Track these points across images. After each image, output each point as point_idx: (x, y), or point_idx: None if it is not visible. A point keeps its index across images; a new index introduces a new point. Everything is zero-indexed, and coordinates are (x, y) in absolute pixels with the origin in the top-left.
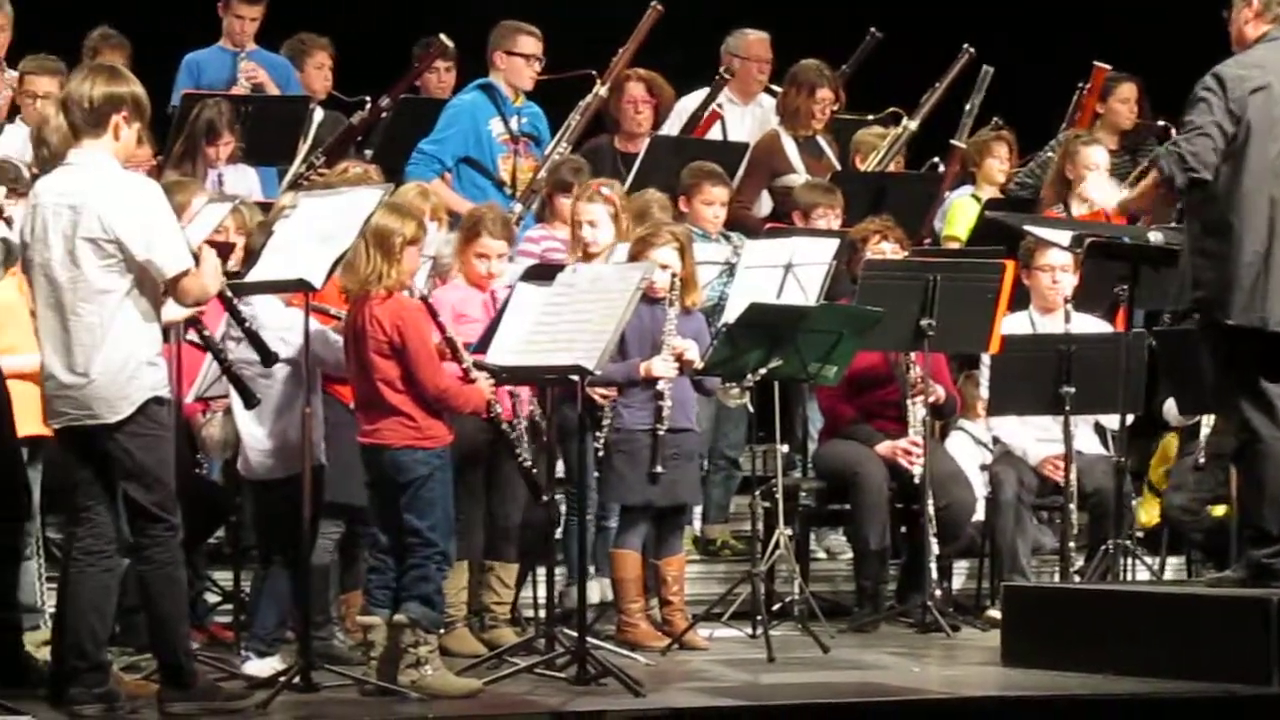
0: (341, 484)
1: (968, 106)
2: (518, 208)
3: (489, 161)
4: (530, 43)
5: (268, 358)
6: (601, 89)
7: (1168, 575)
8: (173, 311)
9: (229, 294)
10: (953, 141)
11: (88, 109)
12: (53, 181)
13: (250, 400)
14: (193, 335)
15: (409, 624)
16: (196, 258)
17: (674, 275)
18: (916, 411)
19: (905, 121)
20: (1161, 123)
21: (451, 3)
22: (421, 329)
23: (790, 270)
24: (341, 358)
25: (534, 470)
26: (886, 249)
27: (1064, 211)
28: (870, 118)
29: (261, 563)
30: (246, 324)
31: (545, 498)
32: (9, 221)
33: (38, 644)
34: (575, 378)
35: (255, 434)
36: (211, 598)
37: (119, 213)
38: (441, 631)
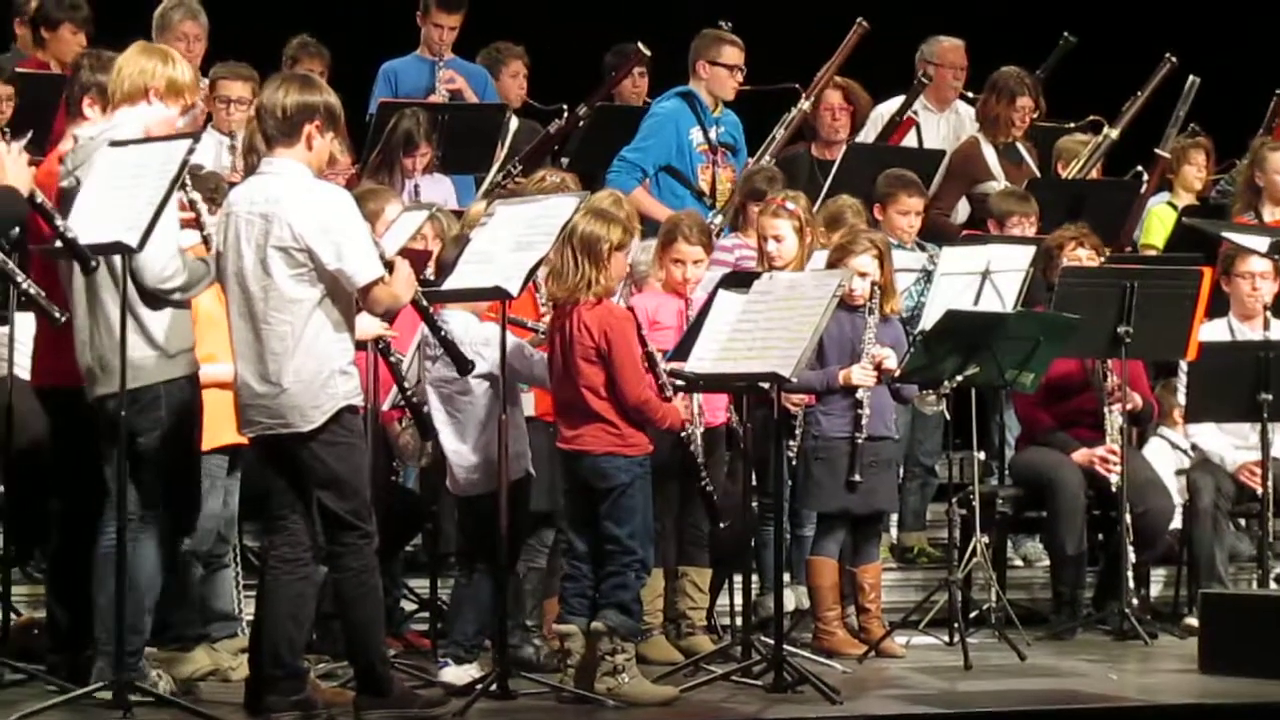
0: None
1: (1174, 116)
2: (718, 219)
3: (689, 171)
4: (733, 53)
5: (464, 366)
6: (805, 103)
7: None
8: (363, 326)
9: (424, 303)
10: (1156, 150)
11: (280, 118)
12: (245, 190)
13: (427, 432)
14: (391, 352)
15: (606, 632)
16: (390, 267)
17: (873, 282)
18: (1114, 419)
19: (1106, 130)
20: None
21: (646, 10)
22: (629, 337)
23: (987, 277)
24: (536, 370)
25: (714, 493)
26: (1082, 256)
27: (1255, 218)
28: (1071, 125)
29: (463, 571)
30: (443, 332)
31: (723, 523)
32: (207, 240)
33: (234, 651)
34: (770, 385)
35: (459, 450)
36: (408, 605)
37: (309, 221)
38: (638, 639)
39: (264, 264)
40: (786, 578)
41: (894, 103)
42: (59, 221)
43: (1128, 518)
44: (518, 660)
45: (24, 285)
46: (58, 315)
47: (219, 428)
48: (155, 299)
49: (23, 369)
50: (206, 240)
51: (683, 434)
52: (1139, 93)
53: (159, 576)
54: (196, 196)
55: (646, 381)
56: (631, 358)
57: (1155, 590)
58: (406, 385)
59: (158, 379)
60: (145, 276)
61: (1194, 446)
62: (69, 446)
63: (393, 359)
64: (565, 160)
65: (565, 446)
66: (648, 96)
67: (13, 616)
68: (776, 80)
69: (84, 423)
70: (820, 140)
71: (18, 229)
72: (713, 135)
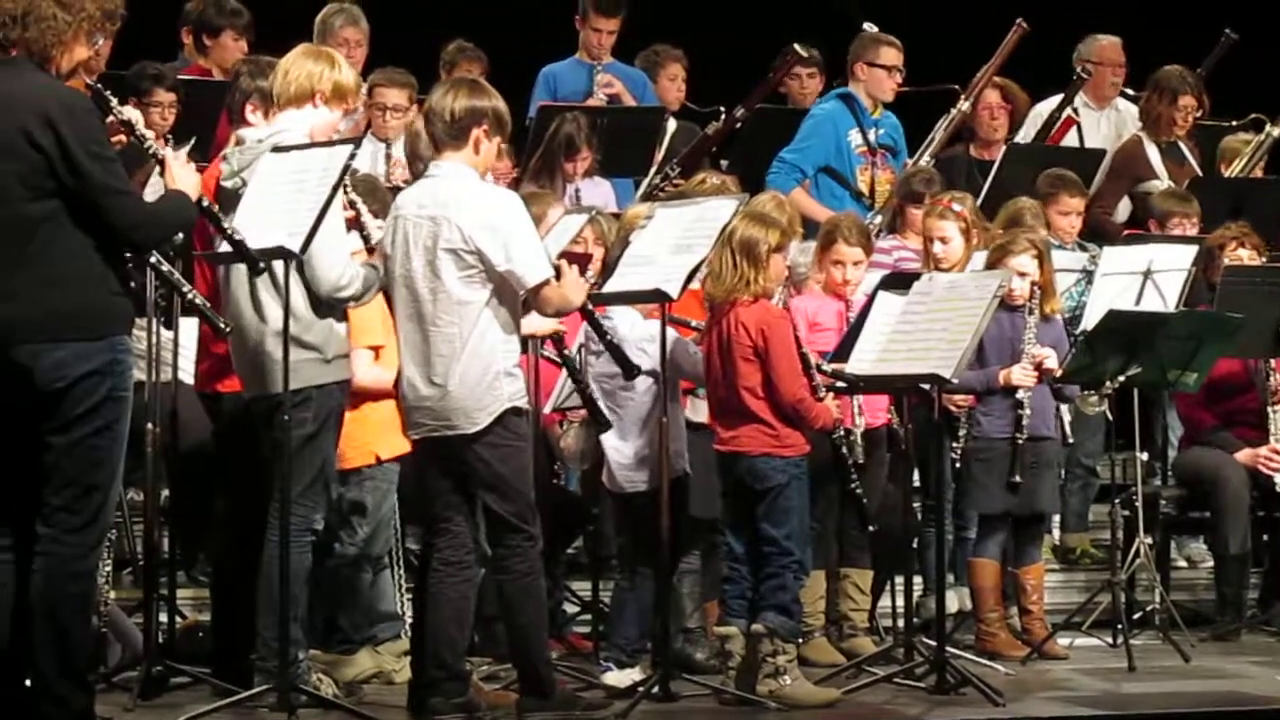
0: (700, 495)
1: None
2: (877, 220)
3: (848, 172)
4: (892, 54)
5: (629, 370)
6: (964, 104)
7: None
8: (536, 324)
9: (588, 305)
10: None
11: (449, 122)
12: (414, 194)
13: (602, 425)
14: (550, 352)
15: (767, 633)
16: (558, 270)
17: (1033, 283)
18: (1277, 418)
19: (1269, 128)
20: None
21: (807, 11)
22: (786, 336)
23: (1149, 277)
24: (699, 368)
25: (865, 498)
26: (1244, 255)
27: None
28: (1233, 124)
29: (624, 573)
30: (608, 336)
31: (873, 526)
32: (368, 243)
33: (397, 654)
34: (931, 386)
35: (619, 448)
36: (570, 608)
37: (479, 224)
38: (799, 641)
39: (433, 266)
40: (949, 579)
41: (1053, 101)
42: (227, 225)
43: None
44: (679, 662)
45: (190, 296)
46: (223, 326)
47: (400, 435)
48: (326, 306)
49: (186, 374)
50: (367, 240)
51: (835, 436)
52: None
53: (301, 579)
54: (357, 198)
55: (802, 381)
56: (789, 356)
57: None
58: (579, 378)
59: (311, 382)
60: (322, 285)
61: None
62: (232, 450)
63: (565, 352)
64: (724, 162)
65: (722, 448)
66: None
67: (178, 619)
68: (936, 81)
69: (246, 426)
70: (978, 140)
71: (182, 235)
72: (872, 137)
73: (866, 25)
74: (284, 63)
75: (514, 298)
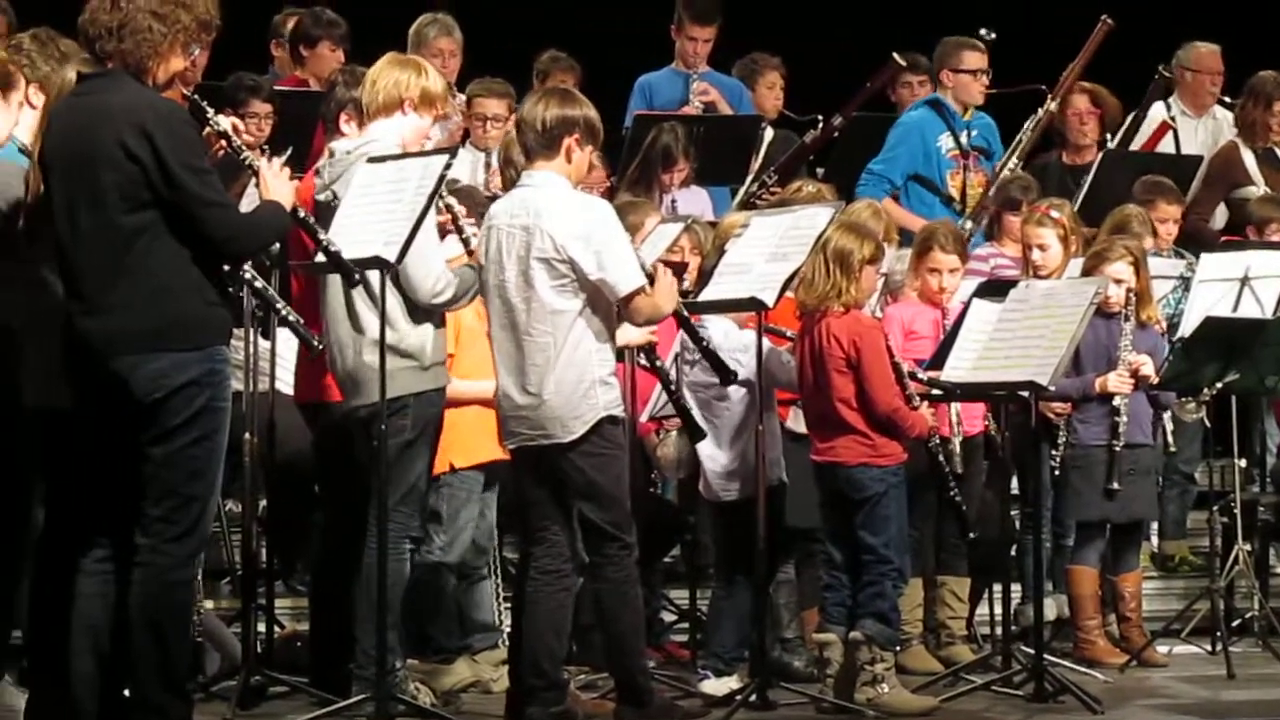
0: (799, 504)
1: None
2: (968, 225)
3: (937, 178)
4: (975, 58)
5: (726, 376)
6: (1051, 104)
7: None
8: (629, 334)
9: (684, 313)
10: None
11: (540, 131)
12: (507, 204)
13: (696, 434)
14: (644, 360)
15: (865, 641)
16: (651, 278)
17: (1129, 290)
18: None
19: None
20: None
21: (911, 20)
22: (879, 346)
23: (1246, 283)
24: (793, 377)
25: (965, 505)
26: None
27: None
28: None
29: (721, 581)
30: (704, 343)
31: (974, 533)
32: (468, 245)
33: (495, 663)
34: (1028, 394)
35: (714, 456)
36: (667, 616)
37: (571, 233)
38: (897, 649)
39: (526, 276)
40: (1048, 587)
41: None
42: (322, 236)
43: None
44: (777, 670)
45: (284, 313)
46: (316, 344)
47: (476, 443)
48: (421, 313)
49: (283, 384)
50: (466, 243)
51: (931, 443)
52: None
53: (399, 587)
54: (453, 201)
55: (895, 390)
56: (882, 366)
57: None
58: (674, 387)
59: (409, 390)
60: (419, 293)
61: None
62: (331, 460)
63: (657, 362)
64: (821, 171)
65: (819, 458)
66: None
67: (276, 629)
68: (1022, 82)
69: (345, 435)
70: (1069, 146)
71: (278, 245)
72: (964, 140)
73: (982, 30)
74: (372, 73)
75: (608, 307)
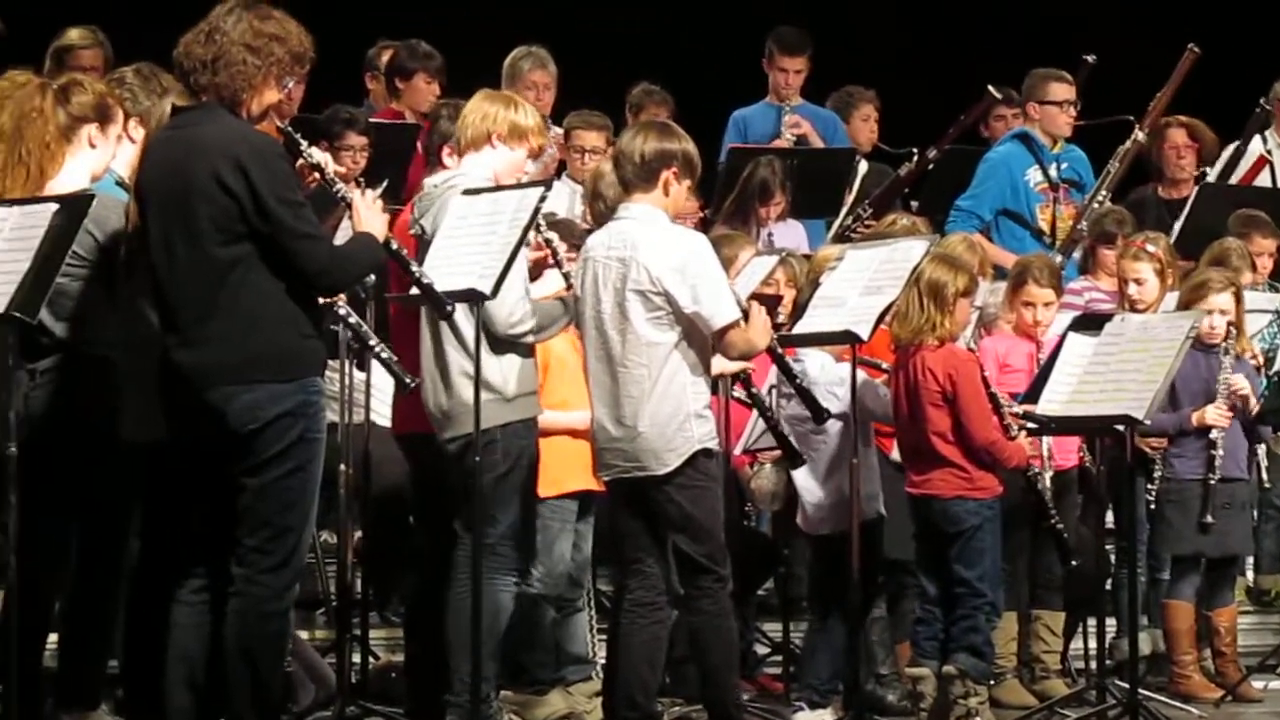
0: (892, 537)
1: None
2: (1059, 258)
3: (1026, 212)
4: (1062, 89)
5: (819, 414)
6: (1140, 134)
7: None
8: (722, 363)
9: (778, 349)
10: None
11: (638, 164)
12: (603, 236)
13: (795, 460)
14: (739, 392)
15: (958, 675)
16: (745, 312)
17: (1229, 322)
18: None
19: None
20: None
21: (1005, 52)
22: (974, 379)
23: None
24: (888, 410)
25: (1065, 533)
26: None
27: None
28: None
29: (816, 614)
30: (797, 379)
31: (1075, 561)
32: (568, 279)
33: (589, 695)
34: (1123, 428)
35: (810, 488)
36: (761, 649)
37: (666, 266)
38: (991, 682)
39: (622, 308)
40: (1143, 621)
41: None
42: (415, 269)
43: None
44: (871, 703)
45: (377, 349)
46: (408, 382)
47: (569, 473)
48: (503, 344)
49: (378, 415)
50: (567, 277)
51: (1029, 474)
52: None
53: (502, 619)
54: (553, 236)
55: (993, 422)
56: (978, 399)
57: None
58: (771, 415)
59: (494, 423)
60: (495, 324)
61: None
62: (428, 491)
63: (753, 390)
64: (915, 204)
65: (914, 491)
66: None
67: (371, 660)
68: (1112, 113)
69: (441, 468)
70: (1165, 180)
71: (373, 276)
72: (1053, 173)
73: (1087, 57)
74: (465, 109)
75: (703, 339)
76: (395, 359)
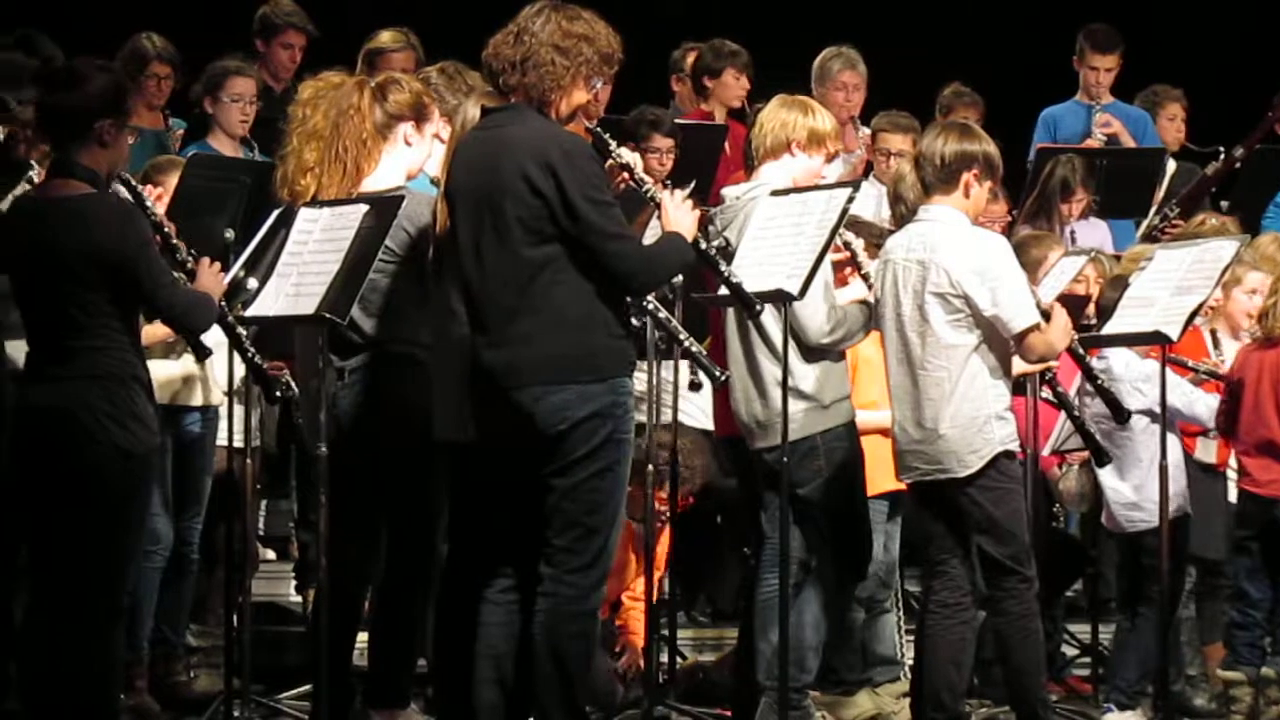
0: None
1: None
2: None
3: None
4: None
5: (1120, 414)
6: None
7: None
8: (1022, 366)
9: (1080, 350)
10: None
11: (939, 166)
12: (903, 238)
13: (1101, 458)
14: (1046, 392)
15: (1276, 679)
16: (1046, 315)
17: None
18: None
19: None
20: None
21: None
22: None
23: None
24: (1197, 409)
25: None
26: None
27: None
28: None
29: (1125, 614)
30: (1099, 380)
31: None
32: (866, 278)
33: (896, 696)
34: None
35: (1117, 488)
36: (1069, 650)
37: (966, 268)
38: None
39: (922, 310)
40: None
41: None
42: (724, 268)
43: None
44: (1180, 706)
45: (686, 343)
46: (719, 375)
47: (879, 474)
48: (814, 351)
49: (686, 415)
50: (867, 278)
51: None
52: None
53: (824, 622)
54: (851, 238)
55: None
56: None
57: None
58: (1077, 414)
59: (813, 430)
60: (808, 332)
61: None
62: (748, 495)
63: (1059, 389)
64: (1224, 203)
65: (1255, 490)
66: None
67: (679, 659)
68: None
69: (759, 473)
70: None
71: (680, 276)
72: None
73: None
74: (760, 115)
75: (1004, 341)
76: (703, 352)
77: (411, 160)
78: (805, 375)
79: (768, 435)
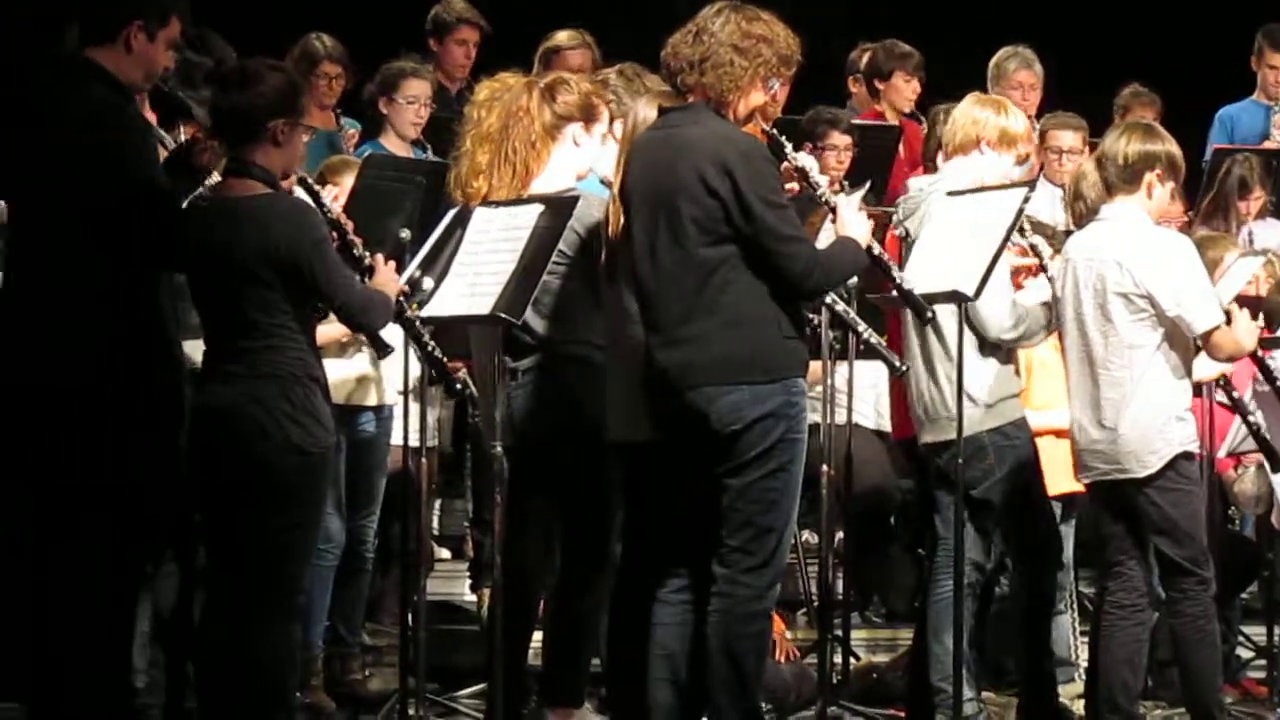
0: None
1: None
2: None
3: None
4: None
5: None
6: None
7: None
8: (1201, 369)
9: (1258, 351)
10: None
11: (1121, 165)
12: (1084, 238)
13: (1276, 462)
14: (1221, 396)
15: None
16: (1229, 316)
17: None
18: None
19: None
20: None
21: None
22: None
23: None
24: None
25: None
26: None
27: None
28: None
29: None
30: (1276, 381)
31: None
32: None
33: (1071, 697)
34: None
35: None
36: (1245, 652)
37: (1149, 268)
38: None
39: (1104, 310)
40: None
41: None
42: (895, 273)
43: None
44: None
45: (865, 335)
46: (898, 365)
47: (1053, 475)
48: (988, 348)
49: (860, 416)
50: (1052, 281)
51: None
52: None
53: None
54: (1039, 241)
55: None
56: None
57: None
58: (1252, 421)
59: (980, 429)
60: (989, 329)
61: None
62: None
63: (1233, 394)
64: None
65: None
66: None
67: (852, 660)
68: None
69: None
70: None
71: (856, 278)
72: None
73: None
74: (955, 111)
75: (1185, 342)
76: (883, 343)
77: (580, 161)
78: (970, 374)
79: (935, 430)
